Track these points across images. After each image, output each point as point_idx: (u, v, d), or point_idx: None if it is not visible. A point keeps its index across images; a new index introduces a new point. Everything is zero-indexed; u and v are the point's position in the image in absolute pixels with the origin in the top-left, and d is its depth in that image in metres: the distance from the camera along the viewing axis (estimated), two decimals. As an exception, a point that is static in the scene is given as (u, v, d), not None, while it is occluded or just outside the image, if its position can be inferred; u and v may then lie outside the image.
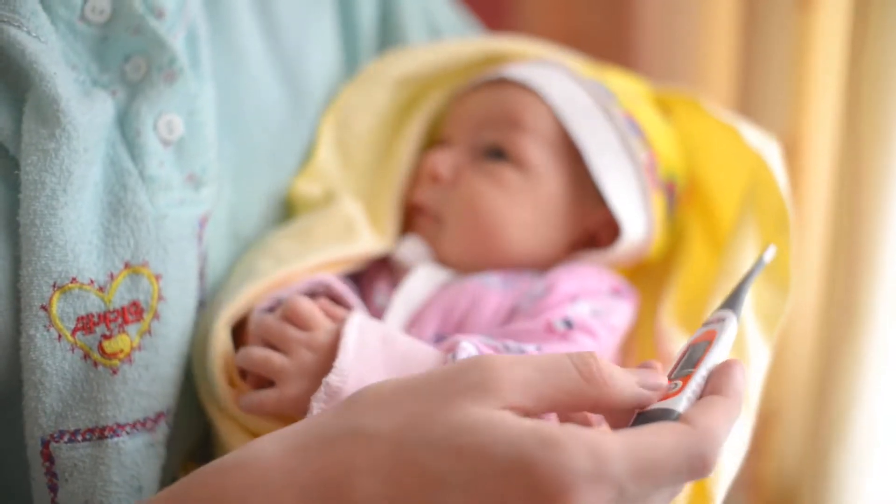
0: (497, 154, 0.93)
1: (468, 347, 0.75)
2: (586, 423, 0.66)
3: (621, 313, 0.88)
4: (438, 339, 0.83)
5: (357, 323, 0.75)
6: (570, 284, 0.87)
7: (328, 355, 0.75)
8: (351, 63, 1.02)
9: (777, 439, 1.29)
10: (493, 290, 0.87)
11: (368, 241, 0.89)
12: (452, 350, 0.75)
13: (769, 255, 0.73)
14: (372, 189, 0.95)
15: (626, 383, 0.62)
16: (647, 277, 1.00)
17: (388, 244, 0.92)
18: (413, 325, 0.86)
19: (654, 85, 1.06)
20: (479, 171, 0.92)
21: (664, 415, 0.60)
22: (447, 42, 1.04)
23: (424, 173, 0.94)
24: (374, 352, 0.74)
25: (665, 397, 0.62)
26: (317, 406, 0.70)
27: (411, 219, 0.96)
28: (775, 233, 0.88)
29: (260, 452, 0.60)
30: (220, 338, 0.78)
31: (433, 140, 1.01)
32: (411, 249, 0.92)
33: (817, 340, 1.18)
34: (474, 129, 0.95)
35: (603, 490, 0.55)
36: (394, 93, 0.99)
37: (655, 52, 1.40)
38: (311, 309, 0.78)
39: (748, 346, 0.83)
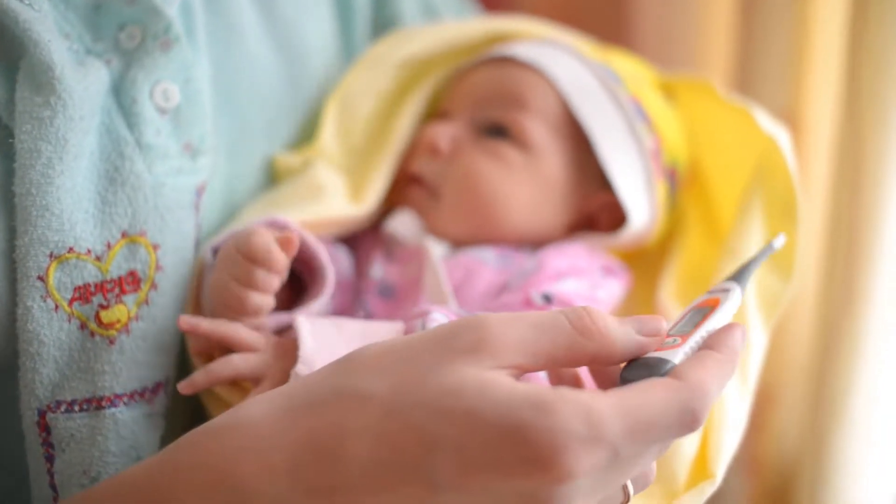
0: (498, 132, 0.92)
1: (439, 318, 0.74)
2: (577, 384, 0.66)
3: (608, 289, 0.88)
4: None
5: (304, 317, 0.75)
6: (559, 262, 0.87)
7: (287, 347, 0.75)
8: (346, 34, 1.01)
9: (776, 419, 1.29)
10: (487, 266, 0.87)
11: (337, 205, 0.87)
12: (422, 318, 0.74)
13: (779, 243, 0.72)
14: (363, 162, 0.94)
15: (622, 332, 0.61)
16: (643, 260, 0.99)
17: (363, 210, 0.89)
18: (406, 298, 0.86)
19: (660, 70, 1.06)
20: (478, 147, 0.91)
21: (659, 364, 0.60)
22: (450, 23, 1.04)
23: (422, 144, 0.93)
24: (332, 338, 0.74)
25: (661, 350, 0.62)
26: None
27: (403, 190, 0.94)
28: (783, 219, 0.88)
29: (250, 415, 0.59)
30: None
31: (432, 115, 1.00)
32: (404, 223, 0.91)
33: (816, 320, 1.18)
34: (476, 104, 0.94)
35: (597, 452, 0.55)
36: (395, 75, 0.98)
37: (653, 30, 1.39)
38: (268, 243, 0.74)
39: (748, 328, 0.83)
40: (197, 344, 0.78)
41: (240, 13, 0.89)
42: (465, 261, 0.87)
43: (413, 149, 0.95)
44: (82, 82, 0.72)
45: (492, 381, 0.56)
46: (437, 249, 0.87)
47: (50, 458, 0.74)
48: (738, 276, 0.69)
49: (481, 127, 0.93)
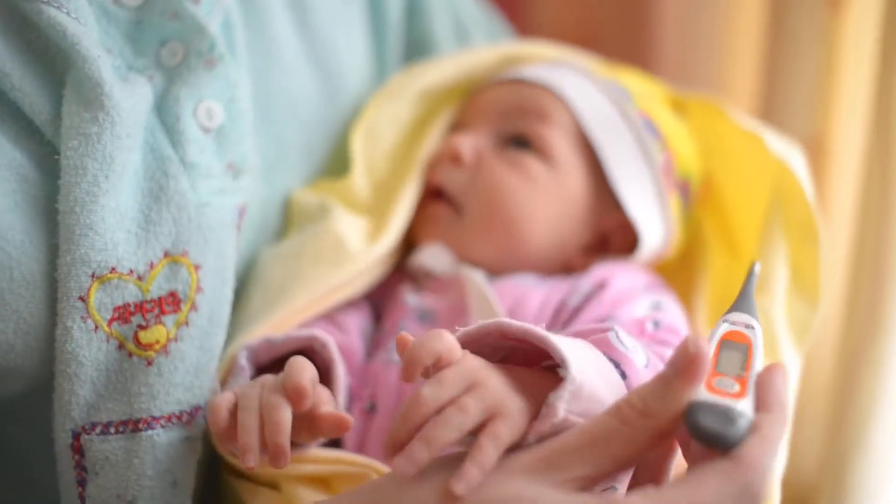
0: (522, 143, 0.91)
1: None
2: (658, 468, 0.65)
3: (673, 302, 0.87)
4: None
5: None
6: (621, 280, 0.86)
7: None
8: (379, 53, 1.01)
9: (797, 441, 1.29)
10: (532, 288, 0.86)
11: (359, 259, 0.85)
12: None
13: (758, 267, 0.73)
14: (385, 197, 0.93)
15: (662, 399, 0.60)
16: (663, 273, 0.99)
17: (385, 246, 0.88)
18: (448, 323, 0.85)
19: (674, 88, 1.05)
20: (502, 159, 0.91)
21: (731, 415, 0.59)
22: (468, 51, 1.03)
23: (445, 154, 0.92)
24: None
25: (718, 392, 0.61)
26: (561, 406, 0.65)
27: (426, 208, 0.93)
28: (804, 245, 0.88)
29: None
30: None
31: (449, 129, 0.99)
32: (434, 256, 0.90)
33: (840, 343, 1.18)
34: (497, 117, 0.94)
35: None
36: (416, 105, 0.98)
37: (674, 51, 1.39)
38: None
39: (782, 359, 0.83)
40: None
41: (278, 31, 0.89)
42: (509, 287, 0.86)
43: (436, 160, 0.94)
44: (130, 99, 0.71)
45: (545, 493, 0.57)
46: (477, 276, 0.86)
47: (82, 482, 0.73)
48: (746, 307, 0.69)
49: (505, 137, 0.92)
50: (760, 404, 0.61)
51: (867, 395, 1.11)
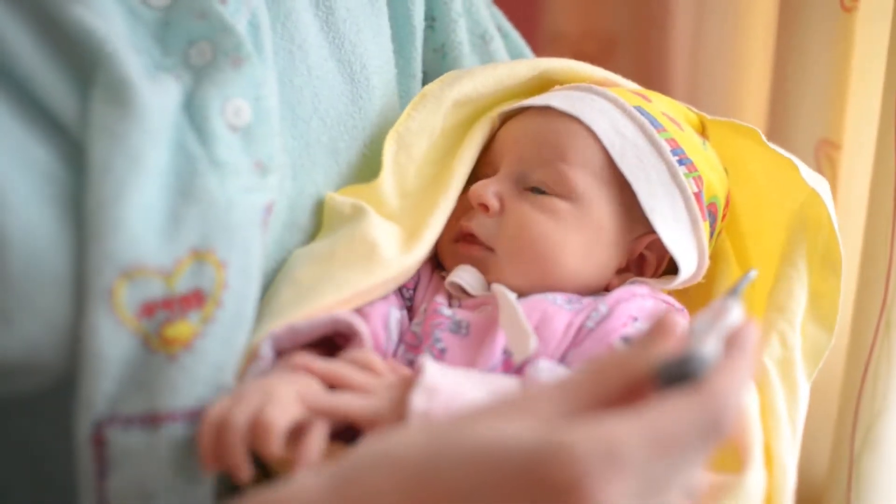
0: (541, 192, 0.92)
1: (546, 364, 0.76)
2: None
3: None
4: (506, 353, 0.83)
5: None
6: (629, 306, 0.87)
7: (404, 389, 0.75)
8: (403, 56, 1.02)
9: (805, 449, 1.29)
10: (561, 308, 0.87)
11: (393, 265, 0.86)
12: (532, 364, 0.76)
13: (753, 274, 0.76)
14: (419, 206, 0.93)
15: (635, 352, 0.62)
16: (684, 293, 1.00)
17: (419, 255, 0.89)
18: (482, 336, 0.86)
19: (693, 105, 1.06)
20: (527, 201, 0.92)
21: (690, 361, 0.60)
22: (504, 64, 1.04)
23: (473, 203, 0.93)
24: (459, 376, 0.76)
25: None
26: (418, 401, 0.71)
27: (458, 248, 0.94)
28: (824, 272, 0.91)
29: (301, 490, 0.61)
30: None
31: (479, 167, 1.00)
32: (467, 278, 0.91)
33: (849, 346, 1.18)
34: (519, 160, 0.94)
35: (624, 480, 0.55)
36: (449, 115, 0.98)
37: (687, 56, 1.40)
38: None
39: (798, 386, 0.86)
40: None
41: (305, 30, 0.89)
42: (538, 304, 0.87)
43: (463, 206, 0.94)
44: (157, 98, 0.72)
45: (511, 428, 0.58)
46: (508, 292, 0.87)
47: (102, 475, 0.73)
48: (731, 294, 0.70)
49: (526, 186, 0.93)
50: (729, 350, 0.62)
51: (878, 394, 1.12)
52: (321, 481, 0.60)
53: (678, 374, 0.60)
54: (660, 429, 0.57)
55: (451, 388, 0.72)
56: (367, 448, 0.62)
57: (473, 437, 0.58)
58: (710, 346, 0.61)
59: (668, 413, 0.57)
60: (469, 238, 0.93)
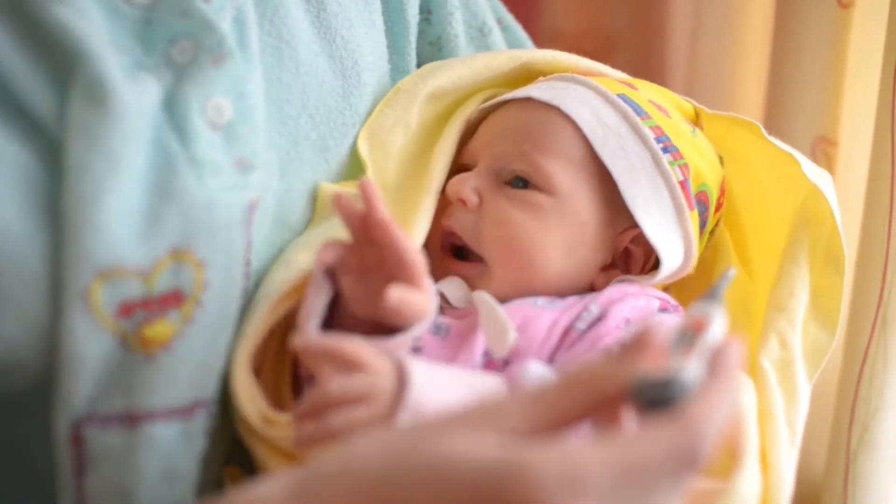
0: (522, 184, 0.90)
1: (536, 367, 0.75)
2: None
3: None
4: (486, 356, 0.83)
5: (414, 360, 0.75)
6: (622, 307, 0.86)
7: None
8: (397, 52, 1.01)
9: (802, 448, 1.28)
10: (543, 309, 0.86)
11: None
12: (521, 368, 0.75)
13: (733, 272, 0.74)
14: (401, 201, 0.92)
15: (611, 367, 0.60)
16: (683, 287, 0.99)
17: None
18: (461, 340, 0.85)
19: (690, 98, 1.05)
20: (506, 197, 0.90)
21: (668, 385, 0.58)
22: (481, 55, 1.02)
23: (451, 198, 0.91)
24: (443, 381, 0.74)
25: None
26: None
27: (443, 261, 0.92)
28: (826, 270, 0.90)
29: (264, 494, 0.60)
30: (241, 381, 0.77)
31: (459, 161, 0.98)
32: (452, 291, 0.90)
33: (846, 343, 1.18)
34: (498, 153, 0.92)
35: None
36: (425, 108, 0.97)
37: (685, 53, 1.39)
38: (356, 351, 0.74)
39: (798, 388, 0.85)
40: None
41: (294, 25, 0.88)
42: (519, 307, 0.86)
43: (443, 202, 0.93)
44: (136, 97, 0.71)
45: (474, 443, 0.56)
46: (488, 296, 0.86)
47: (80, 474, 0.74)
48: (711, 297, 0.68)
49: (505, 179, 0.91)
50: (710, 374, 0.60)
51: (874, 392, 1.11)
52: (284, 486, 0.60)
53: (657, 398, 0.58)
54: (630, 458, 0.55)
55: (436, 398, 0.70)
56: (332, 458, 0.60)
57: (433, 453, 0.57)
58: (691, 369, 0.59)
59: (641, 442, 0.56)
60: (454, 237, 0.91)
